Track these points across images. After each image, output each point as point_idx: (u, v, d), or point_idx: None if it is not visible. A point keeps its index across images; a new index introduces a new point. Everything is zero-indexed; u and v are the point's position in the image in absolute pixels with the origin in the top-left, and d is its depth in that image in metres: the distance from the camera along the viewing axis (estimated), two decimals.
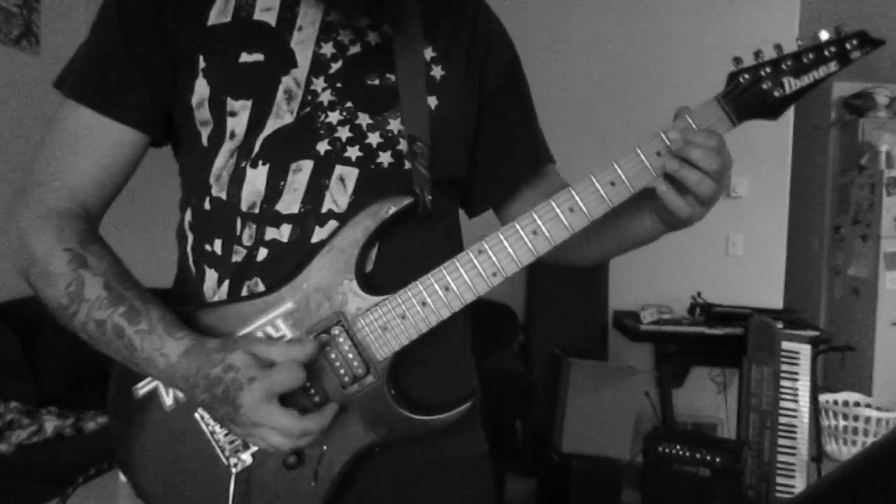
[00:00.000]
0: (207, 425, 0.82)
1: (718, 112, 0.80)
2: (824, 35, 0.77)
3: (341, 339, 0.81)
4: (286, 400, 0.75)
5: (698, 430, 3.35)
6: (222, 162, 0.84)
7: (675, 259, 3.48)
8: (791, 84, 0.78)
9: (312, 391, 0.79)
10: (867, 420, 3.27)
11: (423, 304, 0.81)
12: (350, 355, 0.81)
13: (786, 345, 2.83)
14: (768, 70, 0.79)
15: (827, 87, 5.47)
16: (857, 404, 3.46)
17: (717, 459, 2.47)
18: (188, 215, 0.88)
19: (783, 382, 2.80)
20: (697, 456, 2.48)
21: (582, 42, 3.60)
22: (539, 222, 0.81)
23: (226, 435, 0.82)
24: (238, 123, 0.83)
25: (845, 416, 3.32)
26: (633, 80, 3.58)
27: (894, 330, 4.11)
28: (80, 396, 2.79)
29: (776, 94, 0.79)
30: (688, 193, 0.79)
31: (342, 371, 0.81)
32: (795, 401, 2.79)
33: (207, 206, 0.86)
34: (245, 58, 0.83)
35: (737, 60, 0.80)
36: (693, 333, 3.05)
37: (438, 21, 0.91)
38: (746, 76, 0.79)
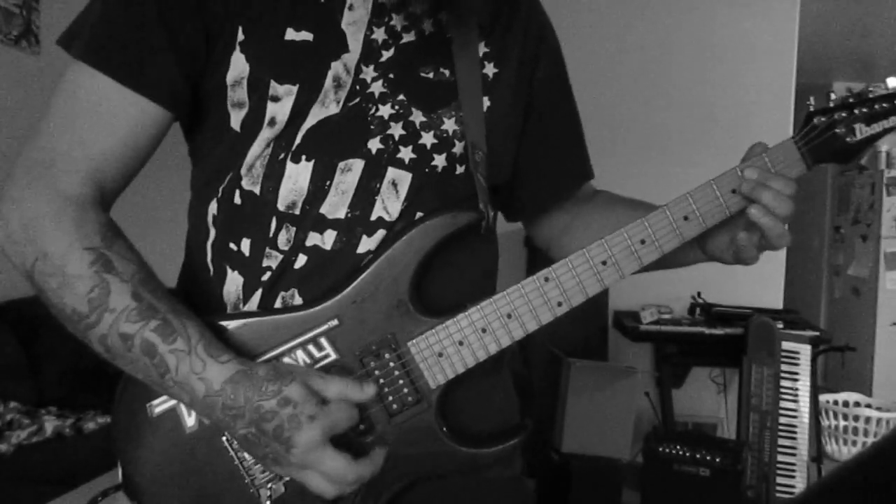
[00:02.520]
0: (237, 451, 0.75)
1: (794, 154, 0.77)
2: (893, 82, 0.77)
3: (392, 364, 0.74)
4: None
5: (698, 430, 3.35)
6: (258, 151, 0.75)
7: None
8: (862, 131, 0.77)
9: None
10: (867, 420, 3.27)
11: (483, 330, 0.75)
12: (401, 381, 0.74)
13: (786, 345, 2.83)
14: (843, 115, 0.77)
15: (827, 87, 5.47)
16: (857, 404, 3.46)
17: (717, 459, 2.47)
18: (212, 208, 0.78)
19: (783, 382, 2.80)
20: (697, 456, 2.48)
21: (582, 45, 3.59)
22: (610, 252, 0.76)
23: (257, 462, 0.74)
24: (280, 110, 0.74)
25: (845, 416, 3.32)
26: (633, 81, 3.58)
27: (894, 330, 4.12)
28: (80, 396, 2.79)
29: (848, 139, 0.77)
30: (755, 234, 0.77)
31: (391, 398, 0.74)
32: (795, 401, 2.79)
33: (238, 199, 0.76)
34: (291, 35, 0.74)
35: (809, 103, 0.79)
36: (693, 333, 3.05)
37: (494, 16, 0.84)
38: (822, 118, 0.77)
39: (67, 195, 0.69)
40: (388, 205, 0.76)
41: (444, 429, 0.76)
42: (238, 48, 0.73)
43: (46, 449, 2.41)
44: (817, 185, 4.82)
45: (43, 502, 1.48)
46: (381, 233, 0.75)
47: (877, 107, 0.77)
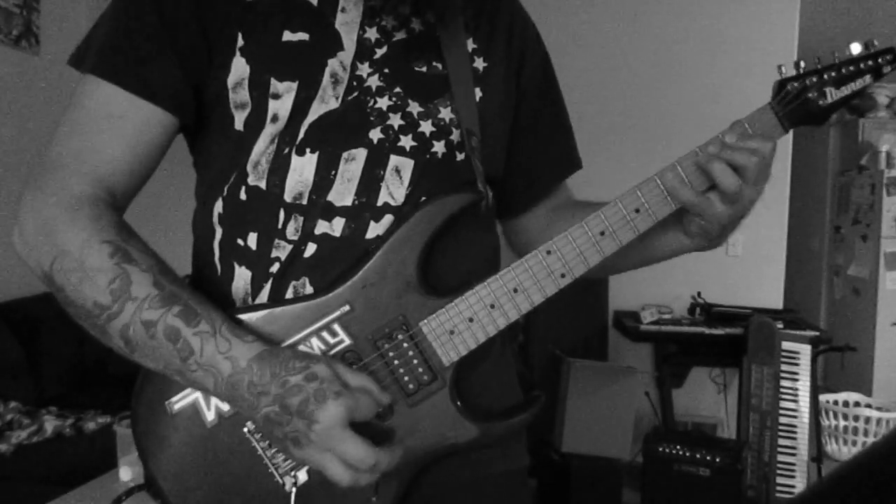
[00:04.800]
0: (259, 441, 0.75)
1: (772, 119, 0.81)
2: (856, 48, 0.81)
3: (405, 345, 0.76)
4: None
5: (698, 430, 3.35)
6: (262, 147, 0.77)
7: (675, 259, 3.47)
8: (832, 94, 0.81)
9: None
10: (867, 420, 3.27)
11: (492, 306, 0.77)
12: (415, 361, 0.76)
13: (786, 345, 2.83)
14: (814, 80, 0.81)
15: None
16: (857, 404, 3.46)
17: (717, 459, 2.47)
18: (218, 206, 0.80)
19: (783, 382, 2.80)
20: (697, 456, 2.48)
21: (584, 45, 3.59)
22: (607, 223, 0.79)
23: (275, 448, 0.75)
24: (281, 106, 0.76)
25: (845, 416, 3.32)
26: (635, 82, 3.58)
27: (894, 330, 4.11)
28: (80, 396, 2.79)
29: (821, 102, 0.81)
30: (728, 203, 0.79)
31: (406, 378, 0.76)
32: (795, 401, 2.79)
33: (243, 195, 0.78)
34: (288, 36, 0.77)
35: (780, 69, 0.82)
36: (693, 333, 3.05)
37: (478, 14, 0.88)
38: (795, 84, 0.81)
39: (80, 195, 0.72)
40: (393, 191, 0.78)
41: (459, 403, 0.77)
42: (238, 52, 0.76)
43: (46, 449, 2.41)
44: (817, 185, 4.82)
45: (43, 502, 1.48)
46: (388, 218, 0.77)
47: (844, 70, 0.81)
